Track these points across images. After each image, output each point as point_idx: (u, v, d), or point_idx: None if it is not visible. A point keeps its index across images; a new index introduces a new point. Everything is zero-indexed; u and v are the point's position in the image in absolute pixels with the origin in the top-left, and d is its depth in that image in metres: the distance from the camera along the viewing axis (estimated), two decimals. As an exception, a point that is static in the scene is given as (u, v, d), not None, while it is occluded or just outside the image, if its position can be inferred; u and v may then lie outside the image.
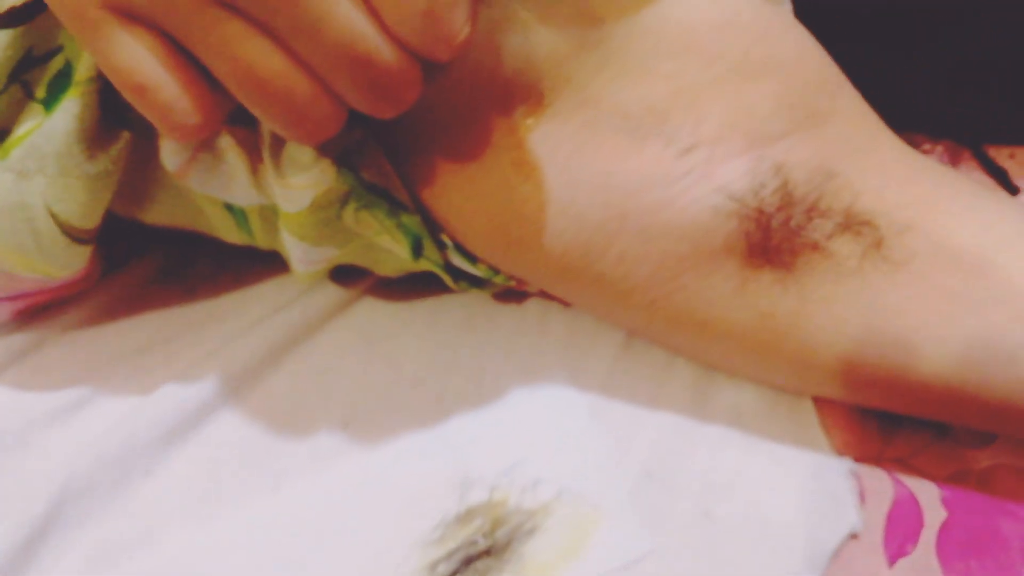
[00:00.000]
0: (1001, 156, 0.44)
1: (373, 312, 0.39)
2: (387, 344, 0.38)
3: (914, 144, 0.45)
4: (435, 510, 0.34)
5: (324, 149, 0.28)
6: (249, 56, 0.22)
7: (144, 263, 0.40)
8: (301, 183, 0.28)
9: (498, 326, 0.39)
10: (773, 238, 0.29)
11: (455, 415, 0.36)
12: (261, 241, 0.35)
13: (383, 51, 0.22)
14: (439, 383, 0.37)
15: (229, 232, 0.35)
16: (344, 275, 0.39)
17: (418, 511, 0.34)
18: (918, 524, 0.35)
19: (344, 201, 0.29)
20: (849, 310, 0.29)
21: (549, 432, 0.36)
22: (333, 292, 0.39)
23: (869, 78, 0.35)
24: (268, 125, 0.25)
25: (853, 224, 0.29)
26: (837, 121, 0.32)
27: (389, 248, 0.31)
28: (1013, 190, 0.43)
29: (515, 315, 0.39)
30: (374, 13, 0.22)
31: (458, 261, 0.32)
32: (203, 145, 0.29)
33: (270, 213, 0.32)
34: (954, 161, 0.44)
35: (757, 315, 0.30)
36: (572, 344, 0.38)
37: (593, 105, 0.29)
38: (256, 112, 0.23)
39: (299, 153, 0.28)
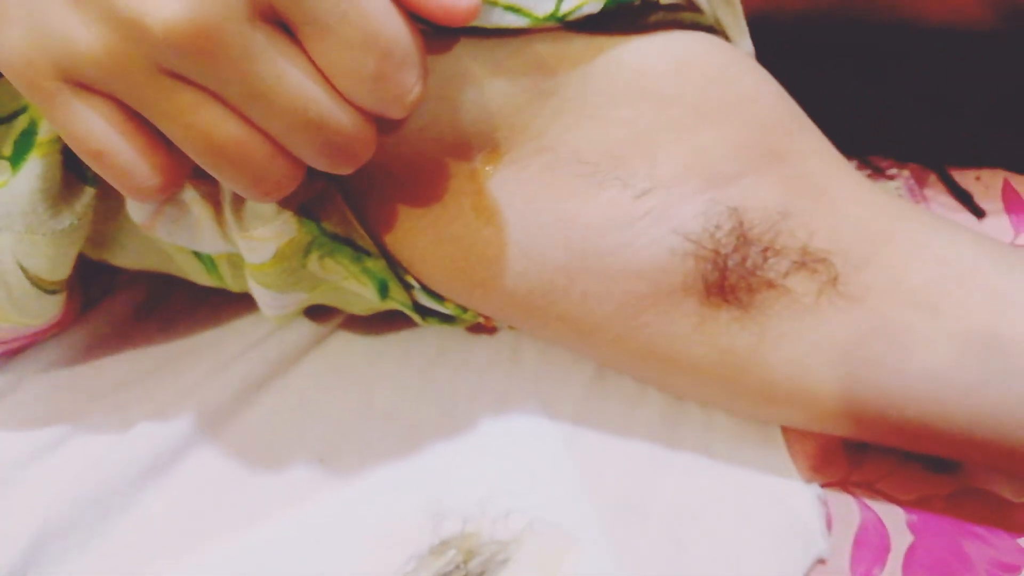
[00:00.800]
0: (967, 178, 0.45)
1: (347, 346, 0.40)
2: (361, 378, 0.39)
3: (881, 168, 0.46)
4: (409, 542, 0.34)
5: (285, 202, 0.28)
6: (204, 123, 0.22)
7: (121, 299, 0.41)
8: (264, 235, 0.28)
9: (470, 357, 0.39)
10: (729, 277, 0.30)
11: (428, 447, 0.37)
12: (232, 285, 0.35)
13: (335, 113, 0.22)
14: (412, 415, 0.38)
15: (199, 276, 0.35)
16: (317, 310, 0.39)
17: (392, 543, 0.34)
18: (885, 548, 0.35)
19: (307, 250, 0.29)
20: (806, 345, 0.30)
21: (521, 462, 0.36)
22: (307, 327, 0.40)
23: (835, 104, 0.36)
24: (227, 186, 0.25)
25: (809, 262, 0.30)
26: (794, 160, 0.33)
27: (356, 291, 0.32)
28: (979, 212, 0.44)
29: (487, 346, 0.39)
30: (325, 76, 0.22)
31: (425, 300, 0.33)
32: (168, 199, 0.29)
33: (238, 259, 0.32)
34: (920, 183, 0.45)
35: (717, 351, 0.31)
36: (544, 374, 0.39)
37: (551, 151, 0.30)
38: (215, 175, 0.24)
39: (260, 207, 0.28)
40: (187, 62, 0.21)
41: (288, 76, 0.22)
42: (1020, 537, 0.35)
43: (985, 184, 0.45)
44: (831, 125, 0.34)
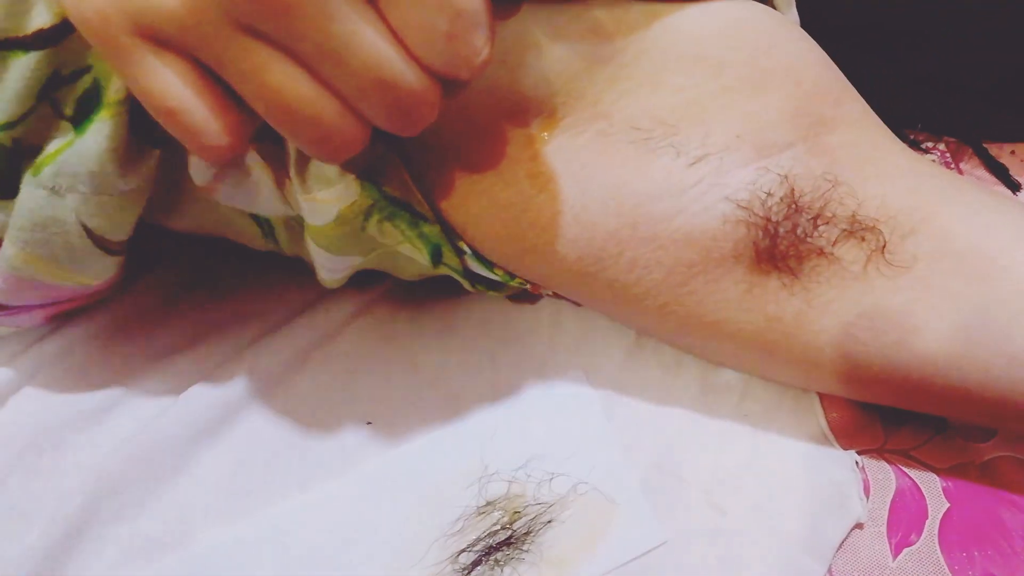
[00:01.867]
0: (1002, 153, 0.45)
1: (392, 315, 0.40)
2: (405, 346, 0.39)
3: (917, 142, 0.46)
4: (456, 503, 0.35)
5: (348, 165, 0.29)
6: (277, 81, 0.22)
7: (170, 269, 0.42)
8: (327, 197, 0.29)
9: (512, 326, 0.40)
10: (780, 245, 0.30)
11: (472, 412, 0.37)
12: (287, 248, 0.36)
13: (406, 74, 0.23)
14: (456, 382, 0.38)
15: (255, 240, 0.36)
16: (364, 278, 0.40)
17: (439, 504, 0.35)
18: (922, 514, 0.36)
19: (368, 213, 0.30)
20: (853, 313, 0.30)
21: (563, 428, 0.37)
22: (354, 295, 0.40)
23: (873, 80, 0.36)
24: (295, 145, 0.25)
25: (858, 230, 0.30)
26: (842, 128, 0.33)
27: (410, 255, 0.32)
28: (1014, 186, 0.44)
29: (529, 316, 0.40)
30: (398, 37, 0.23)
31: (476, 267, 0.33)
32: (231, 161, 0.30)
33: (296, 223, 0.33)
34: (956, 158, 0.45)
35: (764, 318, 0.31)
36: (584, 343, 0.39)
37: (605, 118, 0.31)
38: (284, 133, 0.24)
39: (325, 169, 0.29)
40: (263, 18, 0.21)
41: (362, 35, 0.22)
42: (1055, 505, 0.36)
43: (1020, 158, 0.45)
44: (868, 99, 0.35)
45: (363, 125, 0.24)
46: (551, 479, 0.36)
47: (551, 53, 0.29)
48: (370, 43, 0.22)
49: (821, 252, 0.30)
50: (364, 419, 0.37)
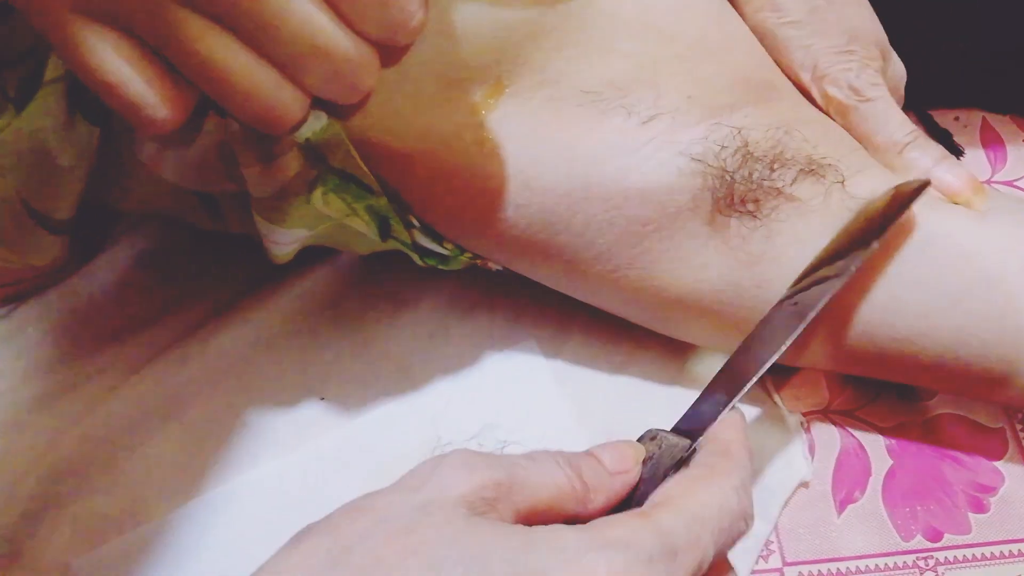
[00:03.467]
0: (946, 119, 0.46)
1: (343, 291, 0.40)
2: (357, 321, 0.40)
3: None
4: (409, 475, 0.35)
5: (291, 136, 0.29)
6: (213, 53, 0.23)
7: (122, 247, 0.42)
8: (270, 170, 0.29)
9: (465, 299, 0.40)
10: (737, 191, 0.31)
11: (425, 385, 0.38)
12: (234, 226, 0.36)
13: (341, 40, 0.23)
14: (409, 355, 0.39)
15: (202, 219, 0.36)
16: (314, 254, 0.40)
17: (392, 476, 0.35)
18: (865, 472, 0.37)
19: (312, 185, 0.30)
20: (816, 245, 0.31)
21: (515, 397, 0.37)
22: (304, 273, 0.40)
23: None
24: (235, 116, 0.26)
25: (816, 169, 0.31)
26: (788, 93, 0.34)
27: (358, 229, 0.33)
28: (957, 151, 0.45)
29: (484, 287, 0.40)
30: (331, 4, 0.23)
31: (425, 241, 0.33)
32: (175, 136, 0.30)
33: (241, 198, 0.33)
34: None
35: (719, 276, 0.32)
36: (541, 316, 0.40)
37: (553, 84, 0.31)
38: (223, 104, 0.24)
39: (267, 140, 0.29)
40: None
41: (295, 4, 0.22)
42: (997, 460, 0.37)
43: (963, 123, 0.46)
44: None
45: (302, 95, 0.24)
46: (503, 447, 0.36)
47: (492, 21, 0.30)
48: (303, 11, 0.22)
49: (779, 192, 0.31)
50: (317, 395, 0.37)
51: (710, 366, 0.38)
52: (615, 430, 0.37)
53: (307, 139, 0.28)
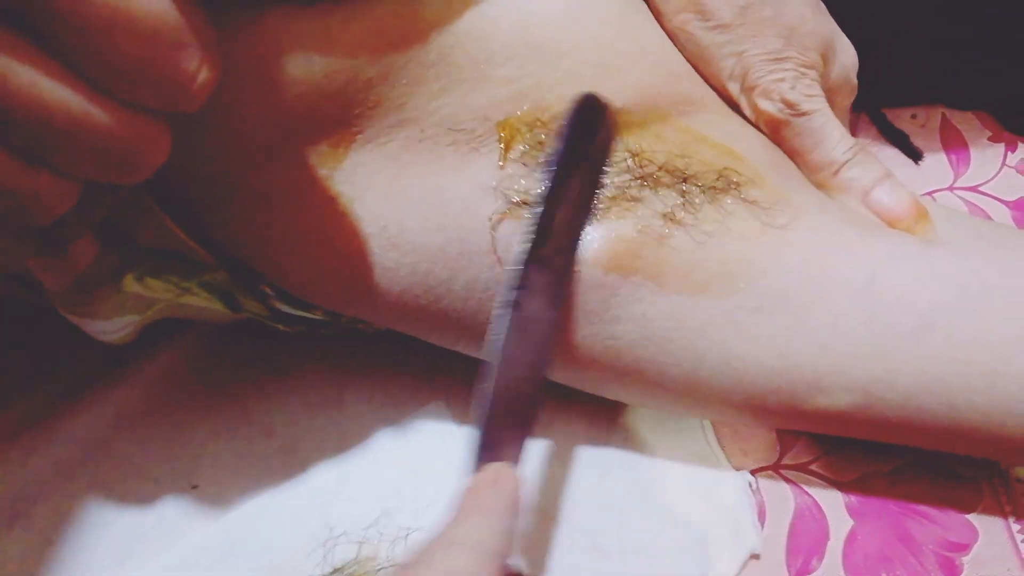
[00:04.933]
0: (903, 118, 0.41)
1: (215, 360, 0.35)
2: (233, 392, 0.34)
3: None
4: (296, 574, 0.30)
5: (79, 220, 0.23)
6: None
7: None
8: (59, 261, 0.24)
9: (359, 357, 0.35)
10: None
11: (316, 465, 0.33)
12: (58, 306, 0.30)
13: (95, 114, 0.18)
14: (295, 430, 0.33)
15: (25, 296, 0.30)
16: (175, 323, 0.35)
17: None
18: (823, 536, 0.32)
19: (119, 272, 0.25)
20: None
21: (421, 473, 0.33)
22: (167, 343, 0.35)
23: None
24: None
25: (730, 188, 0.27)
26: (710, 107, 0.30)
27: (200, 306, 0.27)
28: (916, 156, 0.40)
29: (380, 341, 0.35)
30: (73, 72, 0.18)
31: (288, 309, 0.28)
32: None
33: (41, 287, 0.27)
34: (852, 129, 0.41)
35: (634, 324, 0.27)
36: (450, 371, 0.35)
37: (414, 123, 0.26)
38: None
39: (48, 229, 0.23)
40: None
41: (16, 78, 0.17)
42: (969, 513, 0.33)
43: (921, 122, 0.41)
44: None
45: (64, 182, 0.19)
46: (407, 535, 0.31)
47: (325, 61, 0.24)
48: (30, 85, 0.17)
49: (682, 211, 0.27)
50: (188, 482, 0.32)
51: (640, 412, 0.34)
52: (539, 502, 0.32)
53: (106, 220, 0.22)
